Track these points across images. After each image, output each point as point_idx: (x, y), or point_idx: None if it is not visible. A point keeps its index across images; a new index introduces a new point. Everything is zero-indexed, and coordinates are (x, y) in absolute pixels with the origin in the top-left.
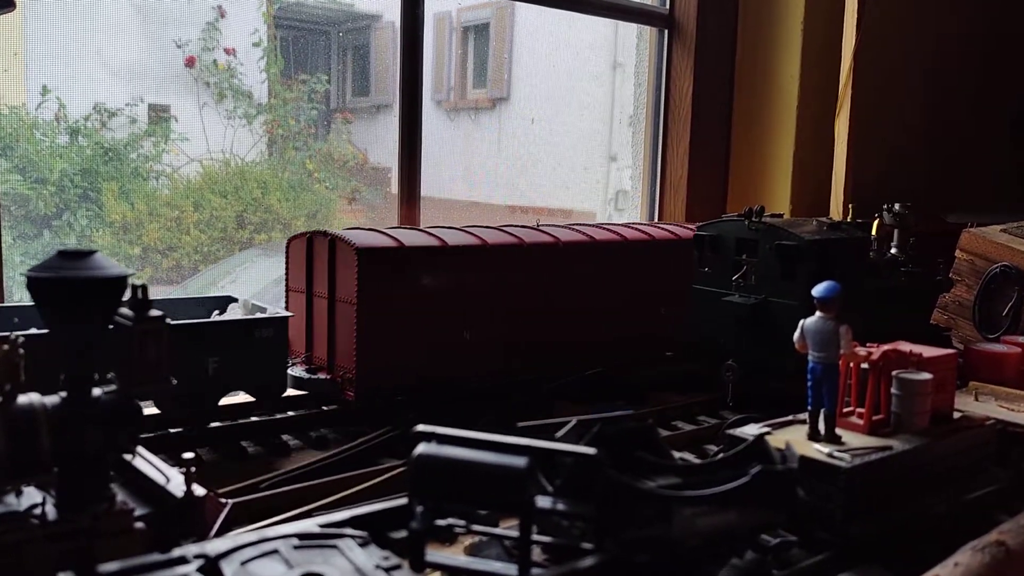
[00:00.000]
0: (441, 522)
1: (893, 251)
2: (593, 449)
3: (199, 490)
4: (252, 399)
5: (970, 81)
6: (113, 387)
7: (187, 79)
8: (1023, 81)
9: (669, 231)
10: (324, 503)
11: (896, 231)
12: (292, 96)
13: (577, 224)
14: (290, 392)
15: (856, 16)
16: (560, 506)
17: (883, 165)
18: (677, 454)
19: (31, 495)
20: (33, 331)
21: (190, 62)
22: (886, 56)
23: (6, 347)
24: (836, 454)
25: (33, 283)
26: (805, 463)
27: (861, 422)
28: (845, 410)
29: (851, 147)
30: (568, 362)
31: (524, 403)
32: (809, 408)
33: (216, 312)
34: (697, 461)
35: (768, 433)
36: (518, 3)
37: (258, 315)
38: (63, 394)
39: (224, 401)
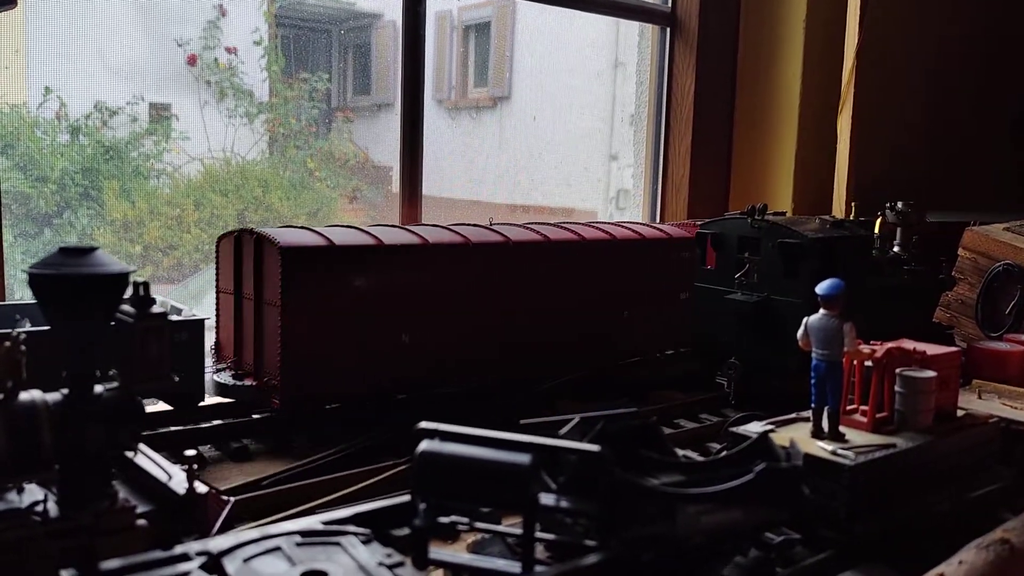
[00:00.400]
0: (444, 519)
1: (896, 249)
2: (597, 446)
3: (201, 487)
4: (170, 408)
5: (971, 81)
6: (115, 384)
7: (188, 78)
8: None
9: (634, 231)
10: (326, 500)
11: (899, 229)
12: (293, 95)
13: (535, 223)
14: (219, 400)
15: (858, 15)
16: (564, 503)
17: (885, 164)
18: (680, 452)
19: (33, 492)
20: (27, 327)
21: (191, 61)
22: (888, 55)
23: (7, 344)
24: (840, 452)
25: (35, 280)
26: (809, 461)
27: (865, 420)
28: (849, 408)
29: (854, 145)
30: (519, 367)
31: (473, 411)
32: (813, 405)
33: None
34: (701, 459)
35: (772, 431)
36: (519, 1)
37: (172, 317)
38: (65, 391)
39: None
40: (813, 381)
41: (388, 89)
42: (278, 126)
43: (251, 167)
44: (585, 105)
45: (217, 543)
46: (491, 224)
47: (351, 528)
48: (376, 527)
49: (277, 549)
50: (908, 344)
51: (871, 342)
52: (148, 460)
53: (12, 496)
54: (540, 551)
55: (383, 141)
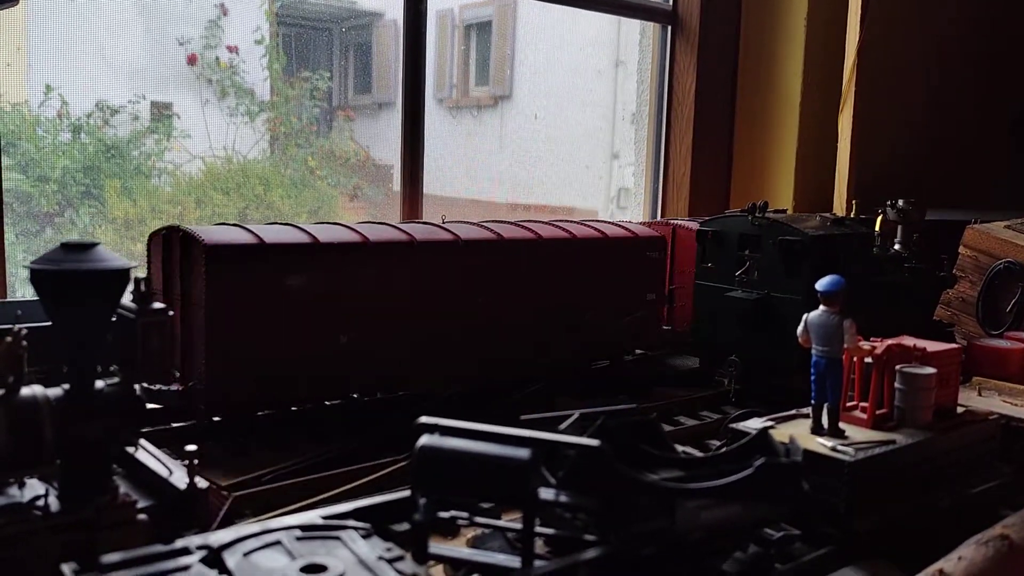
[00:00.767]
0: (444, 514)
1: (897, 247)
2: (597, 441)
3: (201, 482)
4: None
5: (972, 80)
6: (116, 379)
7: (189, 77)
8: None
9: (597, 229)
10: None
11: (900, 227)
12: (294, 93)
13: (490, 221)
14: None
15: (859, 14)
16: (563, 498)
17: (886, 162)
18: (680, 448)
19: (34, 487)
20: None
21: (192, 60)
22: (889, 54)
23: (9, 339)
24: (840, 448)
25: (36, 275)
26: (809, 457)
27: (864, 416)
28: (849, 404)
29: (854, 143)
30: (469, 372)
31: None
32: (812, 402)
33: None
34: (700, 455)
35: (771, 427)
36: None
37: None
38: (66, 386)
39: None
40: (813, 377)
41: (389, 88)
42: (279, 125)
43: (252, 165)
44: (586, 104)
45: (217, 537)
46: (443, 221)
47: (351, 523)
48: (375, 522)
49: (277, 543)
50: (908, 341)
51: (871, 339)
52: (149, 455)
53: (13, 491)
54: (540, 546)
55: (384, 140)
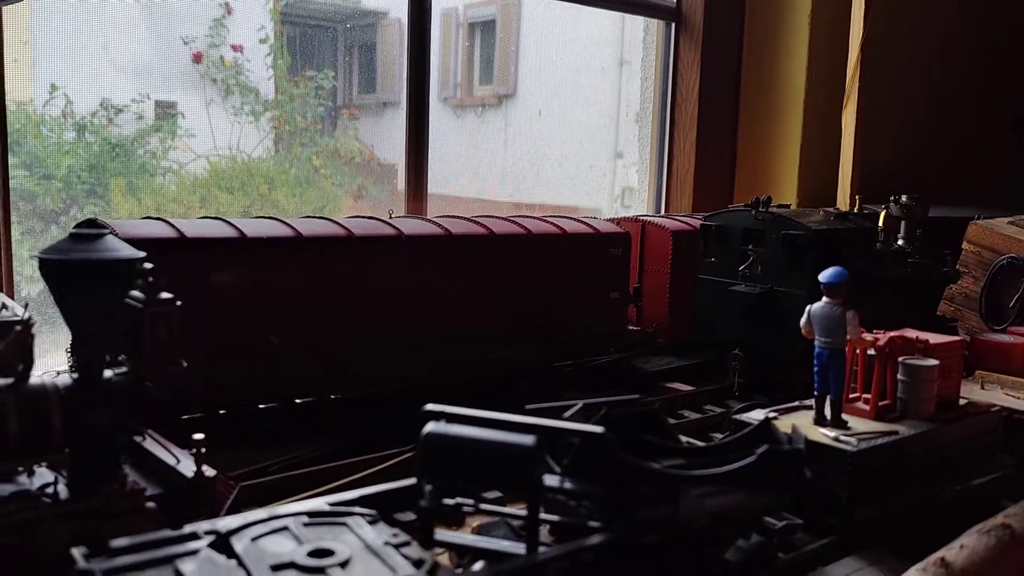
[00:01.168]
0: (449, 501)
1: (900, 242)
2: (601, 428)
3: (209, 471)
4: None
5: (975, 76)
6: (124, 369)
7: (194, 75)
8: None
9: (555, 225)
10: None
11: (903, 222)
12: (299, 92)
13: (444, 216)
14: None
15: (863, 10)
16: (568, 485)
17: (889, 158)
18: (683, 438)
19: (43, 475)
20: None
21: (197, 58)
22: (892, 50)
23: (18, 328)
24: (842, 438)
25: (44, 264)
26: (811, 447)
27: (867, 407)
28: (851, 396)
29: (858, 139)
30: (413, 375)
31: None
32: (815, 393)
33: None
34: (703, 444)
35: (774, 418)
36: None
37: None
38: (74, 375)
39: None
40: (816, 369)
41: (393, 87)
42: (284, 123)
43: (257, 164)
44: (590, 102)
45: (225, 523)
46: (391, 216)
47: (357, 509)
48: (381, 510)
49: (284, 529)
50: (911, 333)
51: (874, 331)
52: (156, 444)
53: (23, 479)
54: (544, 533)
55: (388, 139)
